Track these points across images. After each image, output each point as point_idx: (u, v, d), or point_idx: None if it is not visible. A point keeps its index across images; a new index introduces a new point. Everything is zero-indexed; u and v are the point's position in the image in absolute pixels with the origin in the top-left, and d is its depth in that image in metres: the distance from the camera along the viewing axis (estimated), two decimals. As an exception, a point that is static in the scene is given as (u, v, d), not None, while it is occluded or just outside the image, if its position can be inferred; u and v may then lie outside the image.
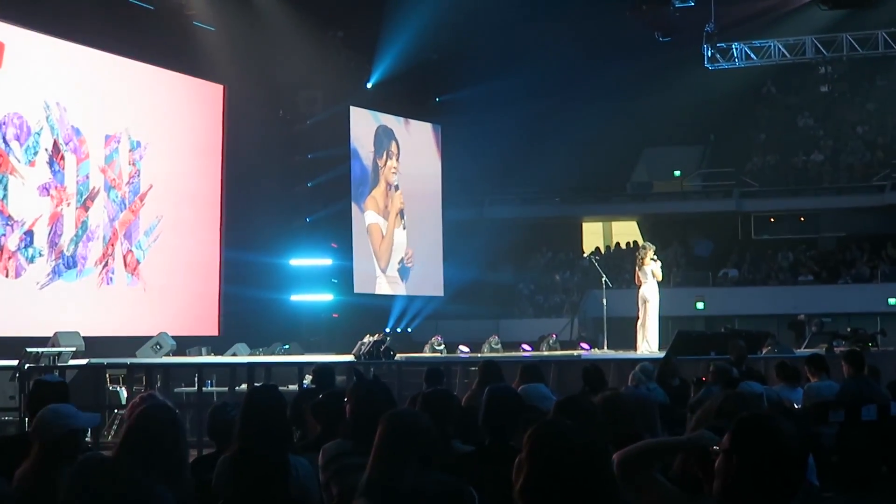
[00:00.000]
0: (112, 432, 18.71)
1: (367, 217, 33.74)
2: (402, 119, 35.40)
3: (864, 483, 12.64)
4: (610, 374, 16.10)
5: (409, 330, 34.66)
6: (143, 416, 5.53)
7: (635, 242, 41.30)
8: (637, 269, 24.63)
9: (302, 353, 26.00)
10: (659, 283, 24.59)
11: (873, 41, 38.07)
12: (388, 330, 32.01)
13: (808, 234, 41.00)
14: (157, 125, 27.63)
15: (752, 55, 38.63)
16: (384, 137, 34.65)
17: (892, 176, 38.92)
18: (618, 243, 42.78)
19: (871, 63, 41.41)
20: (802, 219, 41.48)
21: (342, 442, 6.59)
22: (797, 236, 40.74)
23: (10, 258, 23.80)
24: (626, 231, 43.44)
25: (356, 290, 32.77)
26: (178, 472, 5.38)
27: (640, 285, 24.41)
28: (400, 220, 34.85)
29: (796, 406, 13.06)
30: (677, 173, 43.53)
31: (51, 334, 21.50)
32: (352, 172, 33.05)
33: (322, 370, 12.02)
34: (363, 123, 33.84)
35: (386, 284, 34.22)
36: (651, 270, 24.34)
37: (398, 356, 22.12)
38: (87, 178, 25.61)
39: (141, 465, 5.22)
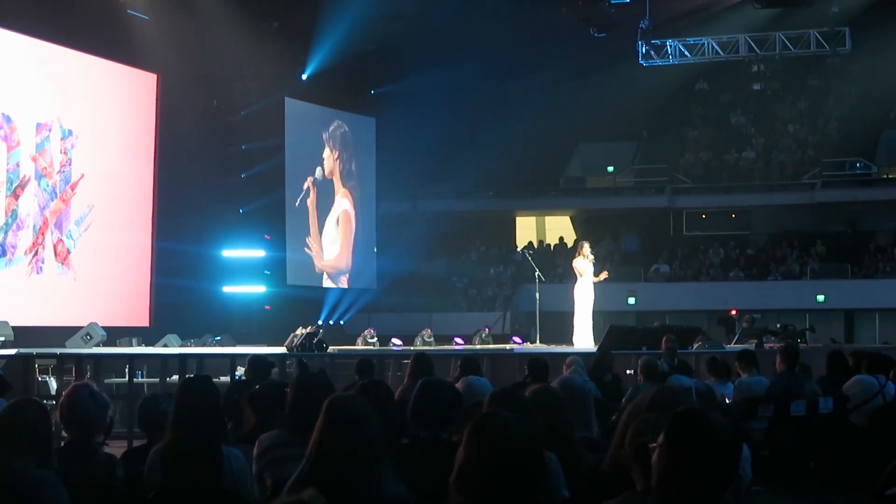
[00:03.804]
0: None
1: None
2: (336, 111, 35.31)
3: (792, 477, 12.78)
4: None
5: (342, 322, 34.63)
6: (15, 409, 5.85)
7: (562, 238, 41.56)
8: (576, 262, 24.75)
9: (234, 345, 25.88)
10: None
11: (805, 40, 38.46)
12: (320, 322, 31.93)
13: (739, 230, 41.35)
14: (89, 114, 27.38)
15: (686, 52, 38.90)
16: (319, 130, 34.57)
17: (822, 174, 39.35)
18: (561, 240, 42.93)
19: (803, 62, 41.84)
20: (734, 215, 41.84)
21: (278, 433, 6.57)
22: (728, 233, 41.07)
23: (-62, 246, 23.55)
24: (559, 226, 43.59)
25: (289, 282, 32.69)
26: (49, 457, 5.73)
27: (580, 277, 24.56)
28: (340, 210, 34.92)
29: (727, 401, 13.19)
30: (610, 169, 43.75)
31: (-21, 324, 21.31)
32: (286, 164, 32.94)
33: (257, 360, 11.95)
34: (298, 115, 33.73)
35: (326, 277, 34.30)
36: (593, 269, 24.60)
37: (331, 349, 22.10)
38: (18, 166, 25.33)
39: (16, 455, 5.52)
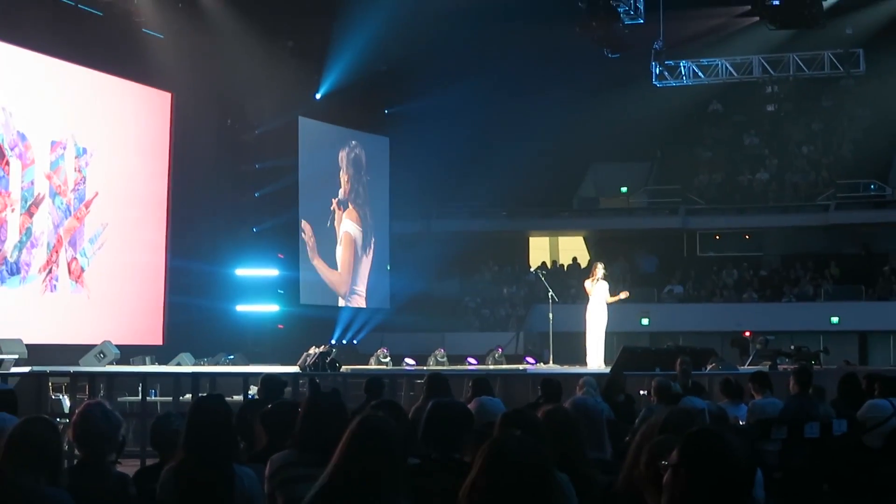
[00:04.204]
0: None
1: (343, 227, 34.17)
2: (350, 130, 35.36)
3: (805, 500, 12.72)
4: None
5: (355, 342, 34.60)
6: (25, 426, 5.89)
7: (575, 258, 41.52)
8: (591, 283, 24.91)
9: (247, 364, 25.89)
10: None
11: (819, 62, 38.41)
12: (333, 342, 31.92)
13: (753, 251, 41.28)
14: (103, 132, 27.45)
15: (700, 73, 38.87)
16: (333, 149, 34.63)
17: (836, 196, 39.27)
18: (574, 259, 42.88)
19: (817, 83, 41.75)
20: (747, 237, 41.77)
21: (290, 452, 6.56)
22: (742, 254, 41.00)
23: (-48, 264, 23.61)
24: (572, 246, 43.54)
25: (302, 301, 32.70)
26: (59, 475, 5.77)
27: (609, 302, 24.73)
28: (356, 230, 35.01)
29: (741, 422, 13.15)
30: (624, 189, 43.71)
31: (-7, 341, 21.33)
32: (300, 183, 32.98)
33: (270, 380, 11.95)
34: (311, 134, 33.78)
35: (339, 296, 34.35)
36: (608, 288, 24.77)
37: (343, 368, 22.09)
38: (32, 184, 25.40)
39: (26, 472, 5.54)
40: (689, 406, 8.75)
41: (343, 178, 34.86)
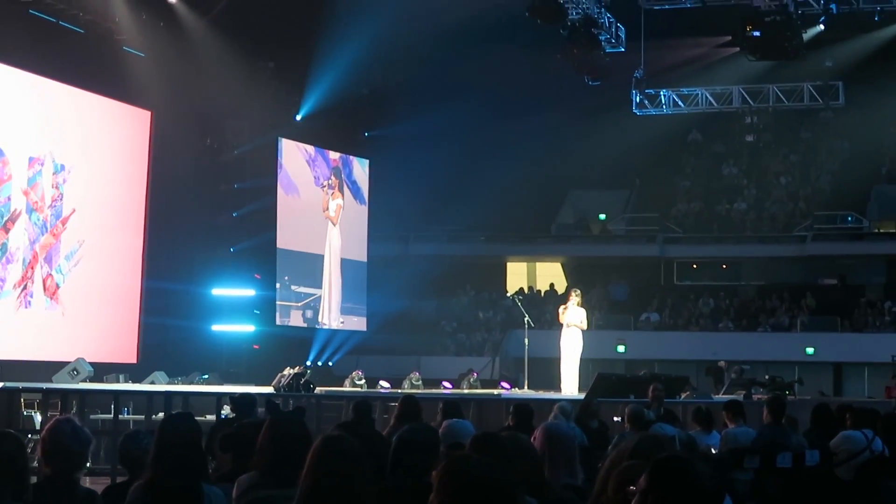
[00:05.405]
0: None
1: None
2: (330, 152, 35.34)
3: (777, 529, 12.71)
4: (529, 414, 16.13)
5: (331, 364, 34.51)
6: None
7: (552, 284, 41.55)
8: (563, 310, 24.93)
9: (221, 384, 25.82)
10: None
11: (799, 93, 38.60)
12: (308, 363, 31.85)
13: (730, 281, 41.39)
14: (82, 149, 27.37)
15: (680, 102, 39.00)
16: (313, 171, 34.58)
17: (813, 227, 39.43)
18: (551, 285, 42.90)
19: (796, 115, 41.99)
20: (724, 266, 41.88)
21: (255, 474, 6.51)
22: (718, 283, 41.10)
23: (-74, 278, 23.49)
24: (550, 272, 43.58)
25: (278, 322, 32.62)
26: (24, 491, 5.82)
27: (569, 326, 24.67)
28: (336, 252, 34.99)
29: (713, 451, 13.15)
30: (602, 217, 43.82)
31: (-35, 357, 21.25)
32: (278, 204, 32.91)
33: (242, 399, 11.89)
34: (292, 155, 33.74)
35: (315, 317, 34.28)
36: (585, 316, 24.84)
37: (318, 390, 22.04)
38: (9, 199, 25.31)
39: None
40: (659, 433, 8.75)
41: (322, 199, 34.79)
